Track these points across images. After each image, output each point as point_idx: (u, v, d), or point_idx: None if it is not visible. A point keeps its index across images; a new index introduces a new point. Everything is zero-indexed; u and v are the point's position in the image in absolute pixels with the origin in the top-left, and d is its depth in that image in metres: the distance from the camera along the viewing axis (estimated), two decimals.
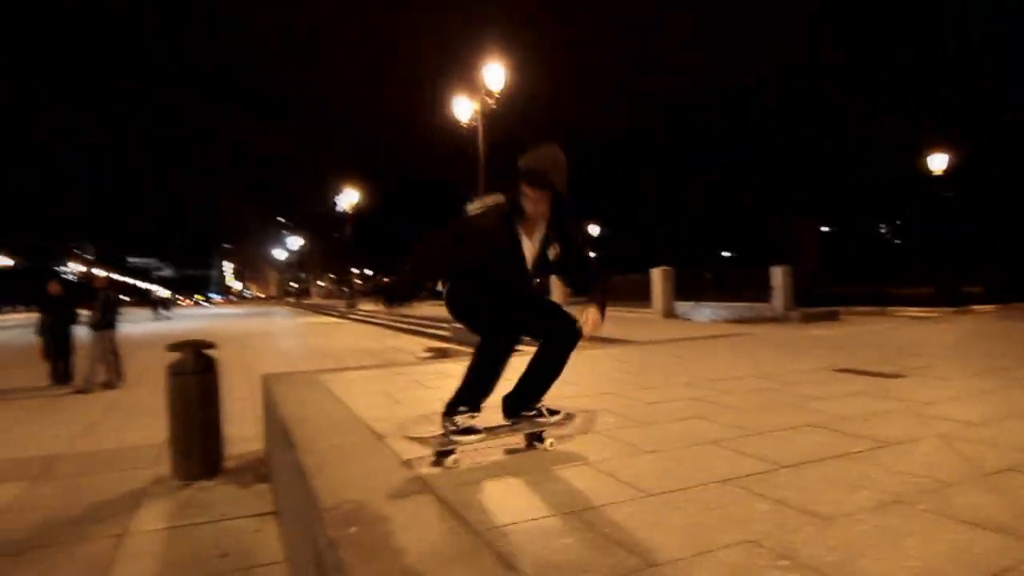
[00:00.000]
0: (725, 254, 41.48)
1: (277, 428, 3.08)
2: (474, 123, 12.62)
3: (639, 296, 14.37)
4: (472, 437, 2.19)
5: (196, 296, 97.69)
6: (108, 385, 7.61)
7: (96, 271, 8.50)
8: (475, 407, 2.25)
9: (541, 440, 2.39)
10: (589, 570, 1.33)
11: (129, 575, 2.59)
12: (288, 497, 2.55)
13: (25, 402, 6.88)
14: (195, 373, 3.95)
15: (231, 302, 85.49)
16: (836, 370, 4.34)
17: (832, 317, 10.59)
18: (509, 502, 1.82)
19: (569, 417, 2.42)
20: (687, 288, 13.93)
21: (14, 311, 48.39)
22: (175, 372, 3.92)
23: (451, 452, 2.17)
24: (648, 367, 5.03)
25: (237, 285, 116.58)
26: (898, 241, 38.40)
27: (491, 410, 2.32)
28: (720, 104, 45.03)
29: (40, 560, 2.71)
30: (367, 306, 27.87)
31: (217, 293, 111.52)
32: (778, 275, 11.28)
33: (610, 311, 2.43)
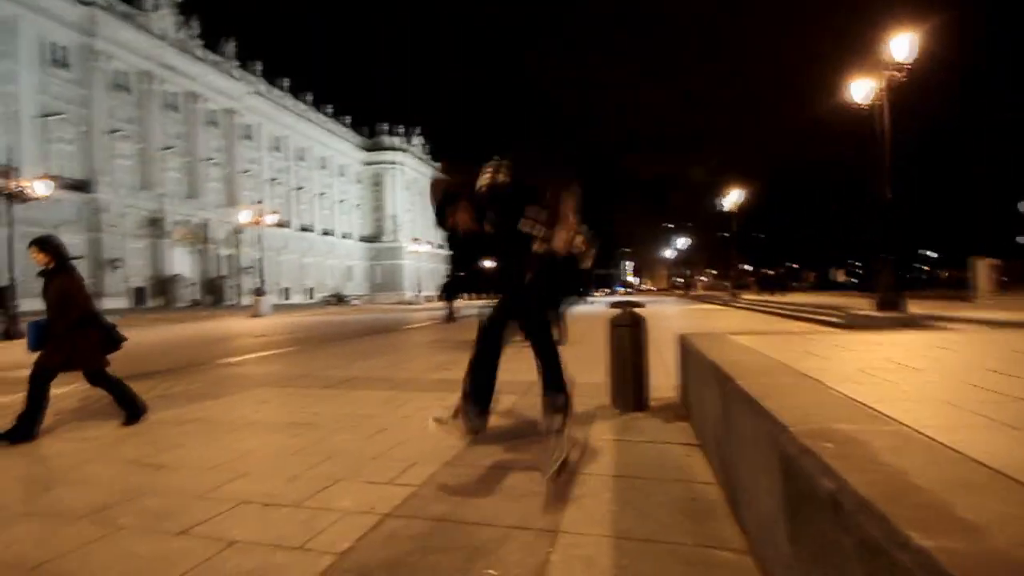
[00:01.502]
0: None
1: (704, 371, 3.01)
2: (877, 102, 10.38)
3: None
4: None
5: (605, 289, 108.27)
6: (558, 343, 8.92)
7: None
8: None
9: None
10: None
11: (593, 461, 2.89)
12: (722, 425, 2.44)
13: (508, 349, 8.55)
14: (629, 326, 4.23)
15: (629, 293, 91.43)
16: None
17: None
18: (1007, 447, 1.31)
19: None
20: None
21: (496, 297, 62.72)
22: (615, 324, 4.27)
23: None
24: None
25: (635, 280, 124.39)
26: None
27: None
28: None
29: (535, 444, 3.25)
30: (749, 296, 26.09)
31: (619, 286, 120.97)
32: None
33: None
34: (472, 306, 33.27)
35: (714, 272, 65.28)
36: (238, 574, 1.85)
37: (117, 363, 4.22)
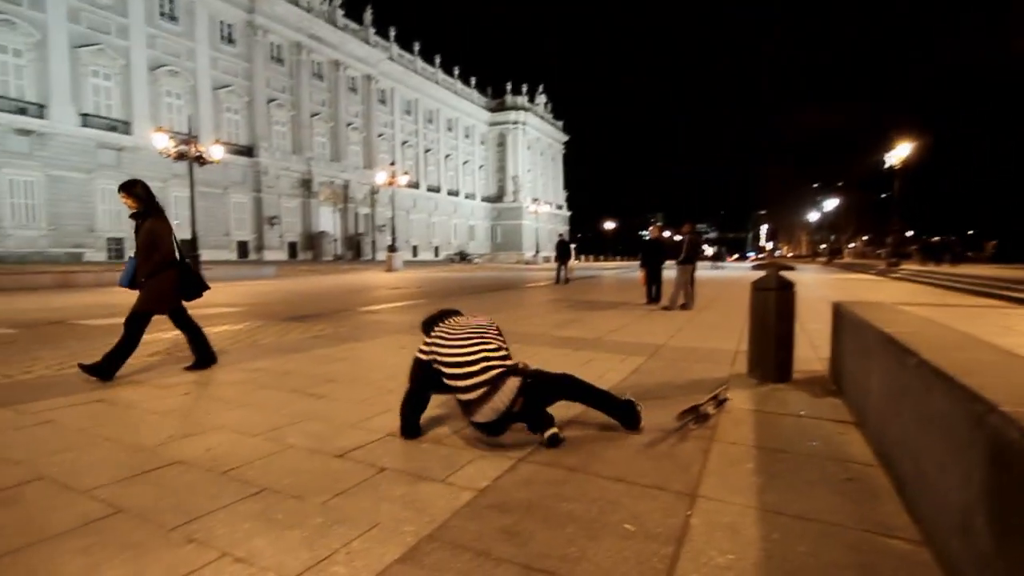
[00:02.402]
0: None
1: (868, 343, 2.67)
2: None
3: None
4: None
5: (736, 254, 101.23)
6: (685, 306, 8.52)
7: (660, 229, 9.87)
8: None
9: None
10: None
11: (732, 430, 2.73)
12: (893, 403, 2.16)
13: (632, 312, 8.36)
14: (775, 290, 3.88)
15: (760, 260, 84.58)
16: None
17: None
18: None
19: None
20: None
21: (615, 259, 62.23)
22: (758, 288, 3.95)
23: None
24: None
25: (769, 245, 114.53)
26: None
27: None
28: None
29: (660, 408, 3.13)
30: (911, 265, 22.88)
31: (752, 252, 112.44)
32: None
33: None
34: (589, 268, 32.81)
35: (865, 238, 58.05)
36: (390, 498, 2.02)
37: (282, 307, 4.75)
